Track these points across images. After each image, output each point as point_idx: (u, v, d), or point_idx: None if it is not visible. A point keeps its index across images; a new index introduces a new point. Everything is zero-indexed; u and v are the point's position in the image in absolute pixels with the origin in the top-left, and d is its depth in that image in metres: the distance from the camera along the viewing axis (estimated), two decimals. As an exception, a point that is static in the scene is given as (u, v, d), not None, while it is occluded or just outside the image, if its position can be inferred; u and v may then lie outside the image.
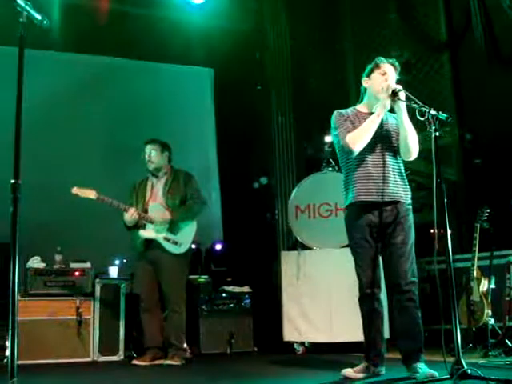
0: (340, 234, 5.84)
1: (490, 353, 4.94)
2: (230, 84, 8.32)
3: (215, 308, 6.42)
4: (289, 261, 6.17)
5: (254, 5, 8.00)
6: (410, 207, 4.00)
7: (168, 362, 5.35)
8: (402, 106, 3.85)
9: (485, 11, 6.66)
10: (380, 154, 3.95)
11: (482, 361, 4.53)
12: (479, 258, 5.47)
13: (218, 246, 7.76)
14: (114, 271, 6.24)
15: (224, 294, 6.54)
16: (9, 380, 2.54)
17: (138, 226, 5.49)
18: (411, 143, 3.89)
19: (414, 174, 4.12)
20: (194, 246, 6.68)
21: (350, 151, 3.90)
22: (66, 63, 7.65)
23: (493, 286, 5.44)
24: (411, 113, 3.83)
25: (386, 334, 4.42)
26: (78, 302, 5.84)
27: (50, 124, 7.32)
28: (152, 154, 5.60)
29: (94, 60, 7.82)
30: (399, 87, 3.85)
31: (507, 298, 5.19)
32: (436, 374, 3.58)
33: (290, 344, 6.06)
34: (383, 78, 3.96)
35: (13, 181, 2.69)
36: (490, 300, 5.38)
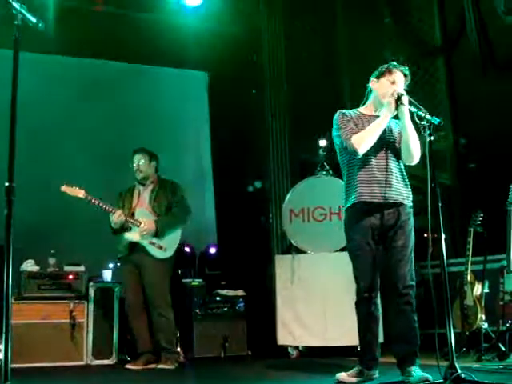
0: (334, 237, 5.90)
1: (483, 357, 4.95)
2: (224, 87, 8.32)
3: (209, 312, 6.41)
4: (283, 265, 6.17)
5: (248, 8, 8.00)
6: (412, 210, 4.00)
7: (161, 366, 5.34)
8: (404, 110, 3.86)
9: (479, 16, 6.69)
10: (383, 156, 3.96)
11: (475, 365, 4.53)
12: (473, 263, 5.49)
13: (212, 250, 7.75)
14: (107, 274, 6.23)
15: (218, 298, 6.53)
16: (2, 383, 2.53)
17: (124, 229, 5.49)
18: (413, 148, 3.89)
19: (412, 178, 4.12)
20: (187, 250, 6.69)
21: (355, 152, 3.89)
22: (59, 66, 7.62)
23: (486, 290, 5.46)
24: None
25: (380, 338, 4.41)
26: (71, 305, 5.83)
27: (45, 128, 7.29)
28: (140, 163, 5.63)
29: (86, 63, 7.79)
30: (403, 92, 3.88)
31: (501, 303, 5.20)
32: (430, 377, 3.59)
33: (284, 348, 6.06)
34: (391, 86, 3.97)
35: (7, 184, 2.69)
36: (483, 304, 5.39)
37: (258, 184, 8.10)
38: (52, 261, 6.00)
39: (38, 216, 6.66)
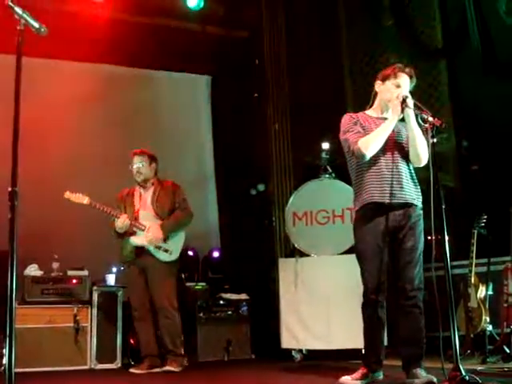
0: (337, 240, 5.90)
1: (488, 359, 4.93)
2: (226, 91, 8.33)
3: (212, 315, 6.41)
4: (286, 268, 6.16)
5: (251, 12, 8.01)
6: (421, 212, 3.99)
7: (167, 368, 5.34)
8: (410, 113, 3.86)
9: (481, 18, 6.68)
10: (392, 157, 3.96)
11: (480, 367, 4.52)
12: (477, 265, 5.47)
13: (216, 253, 7.75)
14: (111, 279, 6.23)
15: (221, 302, 6.53)
16: (6, 388, 2.54)
17: (128, 233, 5.50)
18: (420, 150, 3.89)
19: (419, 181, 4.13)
20: (191, 254, 6.70)
21: (363, 156, 3.90)
22: (62, 71, 7.64)
23: (490, 292, 5.45)
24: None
25: (385, 341, 4.40)
26: (75, 309, 5.83)
27: (47, 132, 7.30)
28: (140, 165, 5.63)
29: (89, 68, 7.81)
30: (408, 95, 3.88)
31: (505, 305, 5.19)
32: (435, 379, 3.58)
33: (288, 351, 6.05)
34: (396, 89, 3.97)
35: (10, 189, 2.69)
36: (487, 306, 5.38)
37: (260, 187, 8.10)
38: (55, 265, 6.01)
39: (42, 221, 6.68)
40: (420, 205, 3.99)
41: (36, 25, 2.93)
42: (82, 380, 5.21)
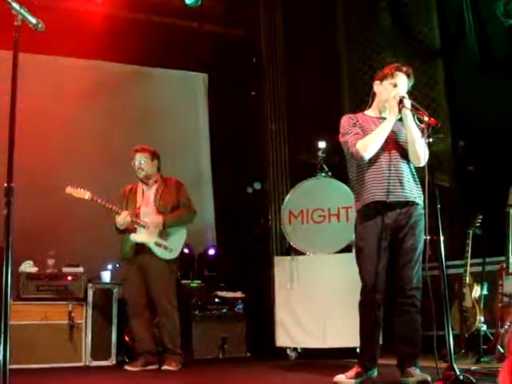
0: (333, 239, 5.92)
1: (482, 359, 4.96)
2: (223, 89, 8.33)
3: (208, 313, 6.41)
4: (282, 266, 6.16)
5: (248, 10, 8.01)
6: (423, 212, 3.99)
7: (165, 367, 5.33)
8: (408, 113, 3.87)
9: (478, 18, 6.69)
10: (393, 156, 3.97)
11: (474, 367, 4.52)
12: (472, 265, 5.49)
13: (211, 251, 7.74)
14: (106, 276, 6.23)
15: (217, 299, 6.54)
16: (1, 384, 2.54)
17: (129, 230, 5.49)
18: (419, 149, 3.89)
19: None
20: (186, 251, 6.69)
21: (361, 158, 3.91)
22: (59, 68, 7.63)
23: (485, 292, 5.46)
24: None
25: (380, 340, 4.41)
26: (70, 306, 5.82)
27: (44, 128, 7.29)
28: (142, 162, 5.61)
29: (87, 65, 7.79)
30: (404, 95, 3.88)
31: (499, 305, 5.20)
32: (429, 378, 3.60)
33: (283, 349, 6.05)
34: (394, 89, 3.97)
35: (6, 184, 2.69)
36: (482, 306, 5.39)
37: (257, 185, 8.09)
38: (51, 262, 6.00)
39: (37, 217, 6.65)
40: (422, 204, 3.99)
41: (33, 20, 2.93)
42: (77, 377, 5.20)
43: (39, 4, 5.67)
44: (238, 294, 6.63)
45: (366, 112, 4.18)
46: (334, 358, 5.59)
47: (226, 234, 8.12)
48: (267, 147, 7.62)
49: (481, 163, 6.67)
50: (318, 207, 6.09)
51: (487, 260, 5.58)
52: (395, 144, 4.00)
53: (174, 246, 5.50)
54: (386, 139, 3.93)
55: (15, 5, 2.85)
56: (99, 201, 5.35)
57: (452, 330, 3.50)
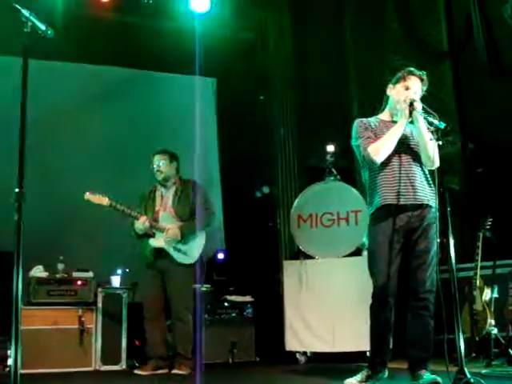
0: (342, 243, 5.90)
1: (493, 362, 4.93)
2: (232, 93, 8.34)
3: (217, 317, 6.41)
4: (291, 270, 6.16)
5: (257, 14, 8.02)
6: (437, 214, 3.97)
7: (175, 371, 5.33)
8: (419, 117, 3.87)
9: (486, 21, 6.68)
10: (406, 159, 3.97)
11: (484, 370, 4.50)
12: (482, 267, 5.46)
13: (220, 256, 7.75)
14: (116, 280, 6.24)
15: (226, 304, 6.54)
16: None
17: (148, 234, 5.49)
18: (430, 152, 3.87)
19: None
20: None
21: (373, 162, 3.92)
22: (69, 73, 7.66)
23: (496, 295, 5.43)
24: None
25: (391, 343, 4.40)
26: (80, 311, 5.84)
27: (53, 133, 7.32)
28: (161, 164, 5.61)
29: (97, 70, 7.83)
30: (415, 98, 3.88)
31: (510, 308, 5.18)
32: (440, 380, 3.58)
33: (292, 354, 6.04)
34: (405, 92, 3.97)
35: (17, 189, 2.70)
36: (492, 309, 5.37)
37: (265, 189, 8.10)
38: (61, 267, 6.01)
39: (47, 222, 6.68)
40: (435, 206, 3.97)
41: (43, 27, 2.94)
42: (87, 381, 5.22)
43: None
44: (247, 298, 6.62)
45: (379, 116, 4.18)
46: (344, 362, 5.57)
47: (235, 238, 8.11)
48: (276, 151, 7.61)
49: (490, 165, 6.65)
50: (327, 211, 6.08)
51: (497, 263, 5.55)
52: (407, 147, 3.99)
53: (192, 251, 5.51)
54: (398, 142, 3.93)
55: (25, 11, 2.87)
56: (118, 206, 5.35)
57: (463, 333, 3.49)
